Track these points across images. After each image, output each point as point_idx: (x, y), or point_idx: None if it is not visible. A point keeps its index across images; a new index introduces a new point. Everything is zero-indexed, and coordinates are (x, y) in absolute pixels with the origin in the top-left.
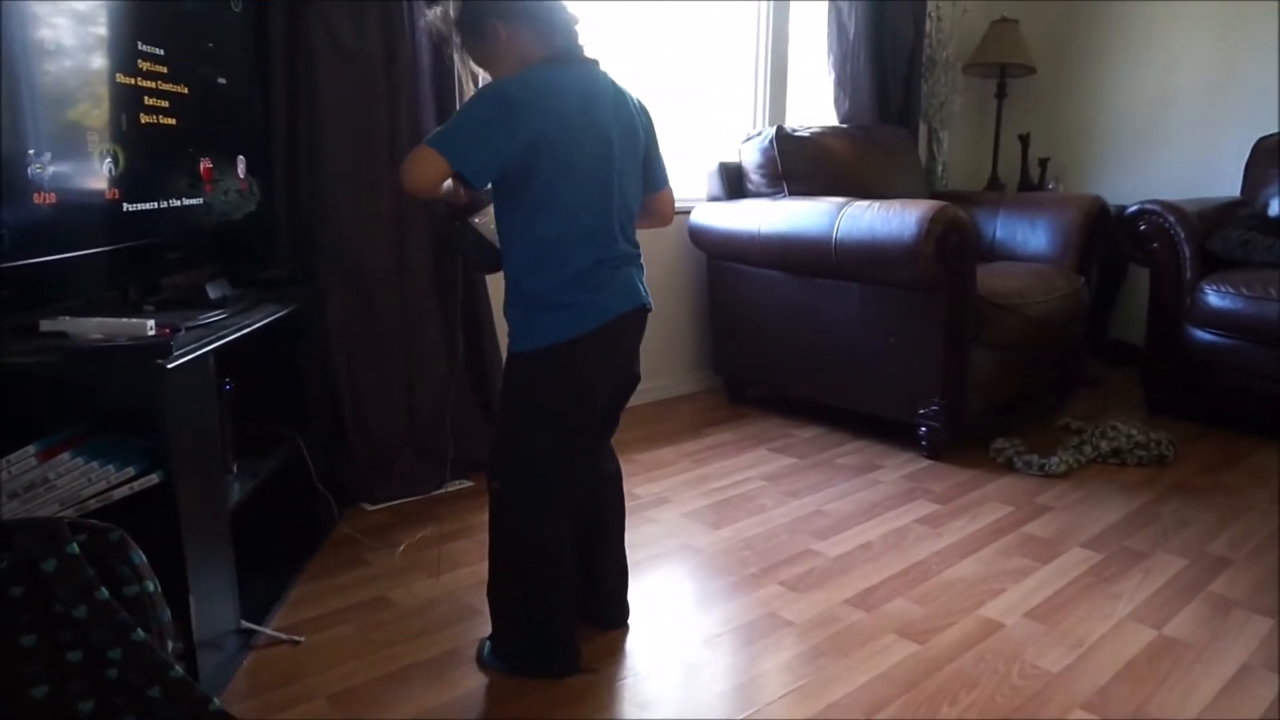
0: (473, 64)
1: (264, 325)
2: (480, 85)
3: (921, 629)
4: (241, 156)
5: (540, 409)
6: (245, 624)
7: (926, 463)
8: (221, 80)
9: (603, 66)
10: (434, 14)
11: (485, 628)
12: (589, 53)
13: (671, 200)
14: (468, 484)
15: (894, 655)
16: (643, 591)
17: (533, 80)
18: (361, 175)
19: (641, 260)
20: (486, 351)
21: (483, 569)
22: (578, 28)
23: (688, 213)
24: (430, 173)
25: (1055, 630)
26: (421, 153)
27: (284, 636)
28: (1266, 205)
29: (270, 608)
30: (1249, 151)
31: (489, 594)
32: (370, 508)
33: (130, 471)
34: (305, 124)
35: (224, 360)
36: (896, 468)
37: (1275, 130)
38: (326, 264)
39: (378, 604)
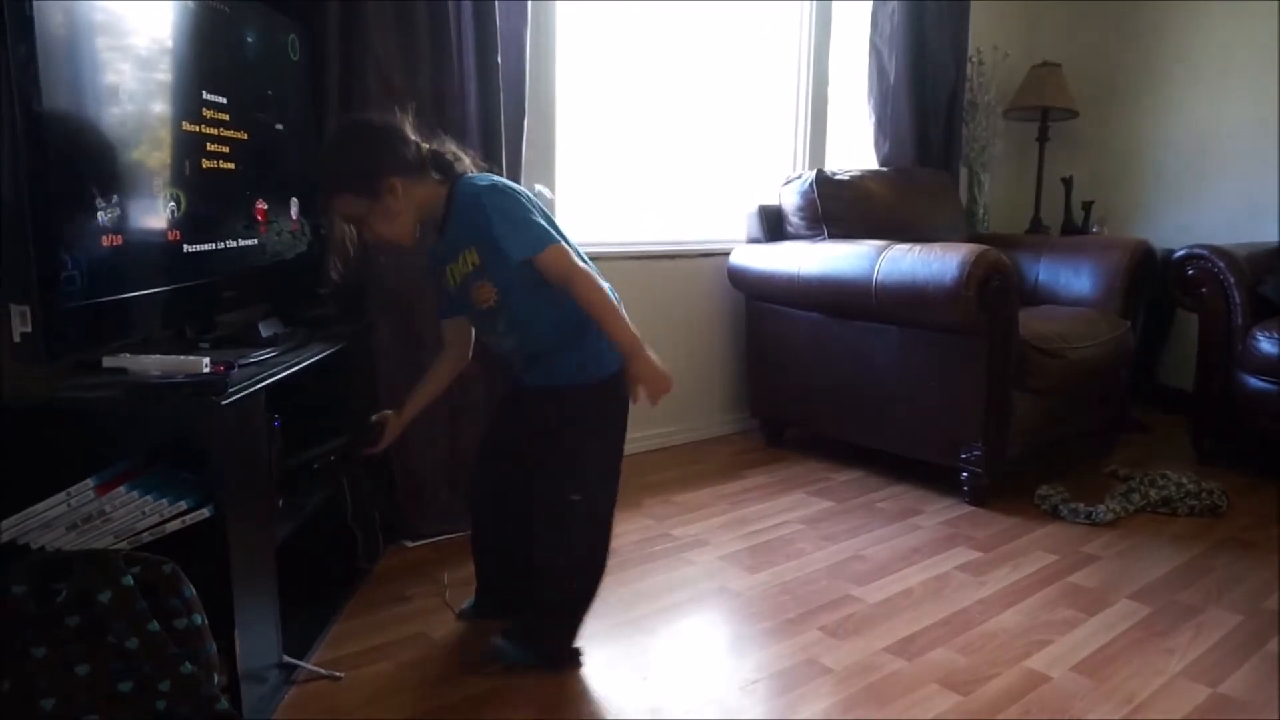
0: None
1: (313, 362)
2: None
3: (964, 680)
4: (295, 198)
5: (613, 429)
6: (287, 658)
7: (968, 509)
8: (279, 126)
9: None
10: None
11: (519, 671)
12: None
13: None
14: None
15: (936, 706)
16: (678, 635)
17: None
18: None
19: None
20: None
21: None
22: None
23: (727, 254)
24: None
25: (1104, 685)
26: (559, 249)
27: (324, 672)
28: None
29: (312, 642)
30: None
31: (546, 590)
32: (411, 544)
33: (183, 505)
34: None
35: (273, 397)
36: (937, 513)
37: None
38: (373, 300)
39: (417, 640)
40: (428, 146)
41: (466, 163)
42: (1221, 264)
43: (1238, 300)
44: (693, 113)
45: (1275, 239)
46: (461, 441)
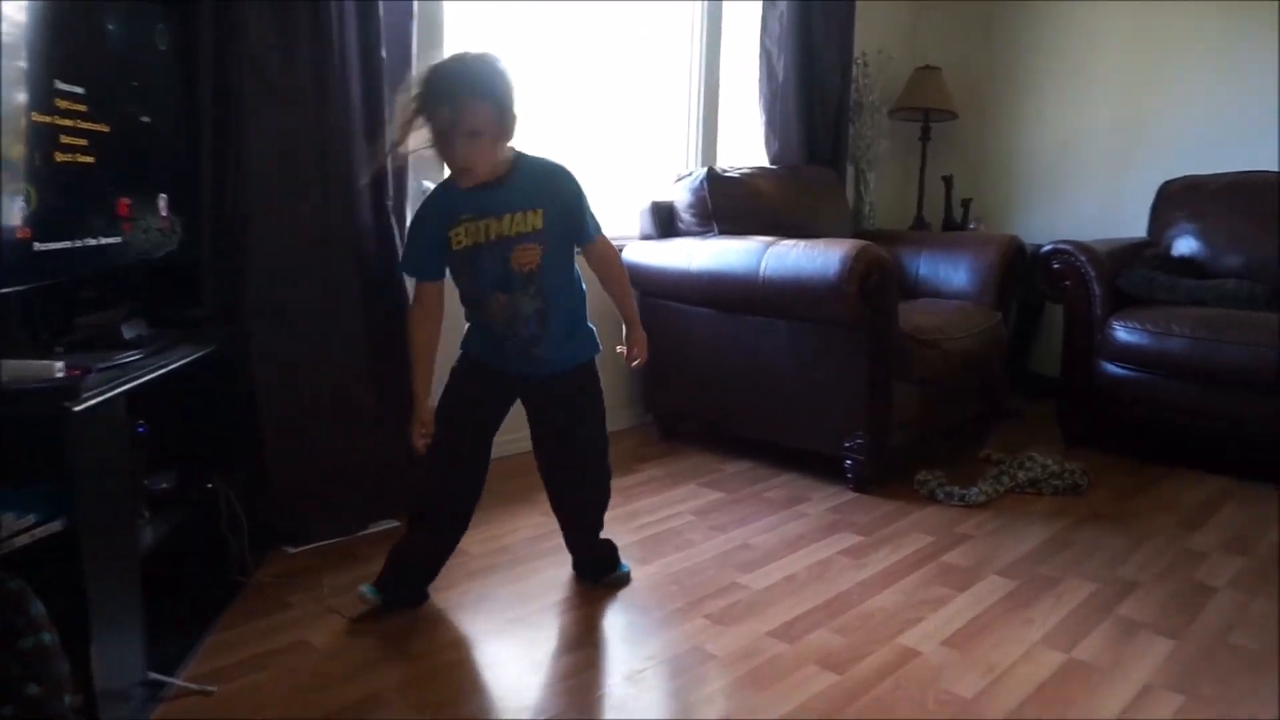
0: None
1: (181, 366)
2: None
3: (841, 659)
4: (164, 195)
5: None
6: (153, 675)
7: (852, 495)
8: (145, 119)
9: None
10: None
11: (407, 672)
12: None
13: None
14: (392, 524)
15: (814, 686)
16: (567, 629)
17: None
18: (289, 213)
19: None
20: None
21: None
22: None
23: (621, 250)
24: None
25: (970, 656)
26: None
27: (194, 687)
28: (1170, 245)
29: (184, 656)
30: (1155, 194)
31: (597, 518)
32: (292, 550)
33: (31, 519)
34: (233, 162)
35: (140, 402)
36: (823, 500)
37: (1178, 175)
38: (252, 303)
39: (298, 648)
40: None
41: None
42: (1083, 258)
43: (1098, 293)
44: (585, 110)
45: (1133, 235)
46: (347, 444)
